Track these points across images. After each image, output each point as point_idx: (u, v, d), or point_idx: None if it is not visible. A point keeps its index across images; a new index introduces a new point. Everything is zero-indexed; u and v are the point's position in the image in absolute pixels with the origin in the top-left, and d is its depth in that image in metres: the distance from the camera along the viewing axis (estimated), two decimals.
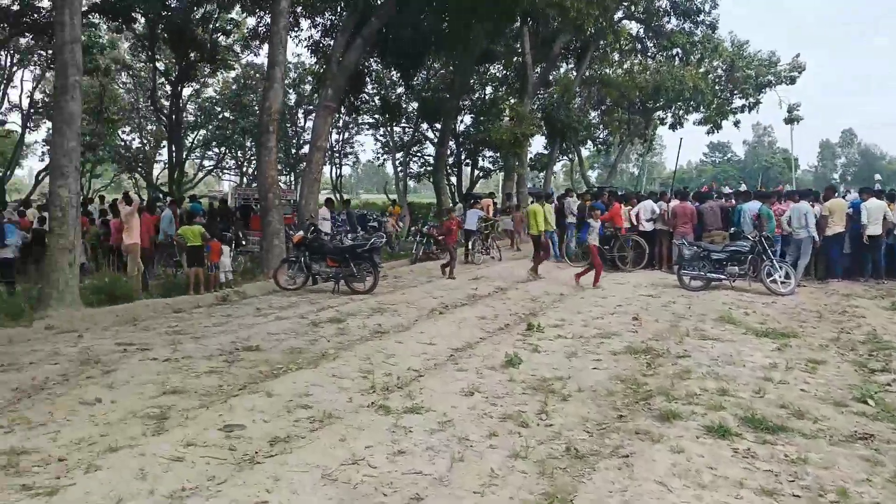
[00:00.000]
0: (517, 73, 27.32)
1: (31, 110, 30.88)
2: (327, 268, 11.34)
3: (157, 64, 28.46)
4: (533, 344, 7.14)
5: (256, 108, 31.51)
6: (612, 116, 33.65)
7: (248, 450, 4.17)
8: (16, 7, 15.69)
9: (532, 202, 16.97)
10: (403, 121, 33.95)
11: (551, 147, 29.19)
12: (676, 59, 29.67)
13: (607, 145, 37.10)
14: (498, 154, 34.36)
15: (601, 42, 26.79)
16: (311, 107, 36.51)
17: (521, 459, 4.03)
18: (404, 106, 30.71)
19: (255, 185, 33.70)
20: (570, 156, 38.68)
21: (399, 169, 36.60)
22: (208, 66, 29.25)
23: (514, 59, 26.01)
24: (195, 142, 37.10)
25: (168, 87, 30.61)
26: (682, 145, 53.84)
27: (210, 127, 35.68)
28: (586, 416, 4.85)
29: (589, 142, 35.81)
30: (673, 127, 32.69)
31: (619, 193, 18.91)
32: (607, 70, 31.06)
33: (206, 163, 41.31)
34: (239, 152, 40.32)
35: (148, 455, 3.96)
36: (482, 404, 5.13)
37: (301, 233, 11.93)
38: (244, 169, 42.20)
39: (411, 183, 39.82)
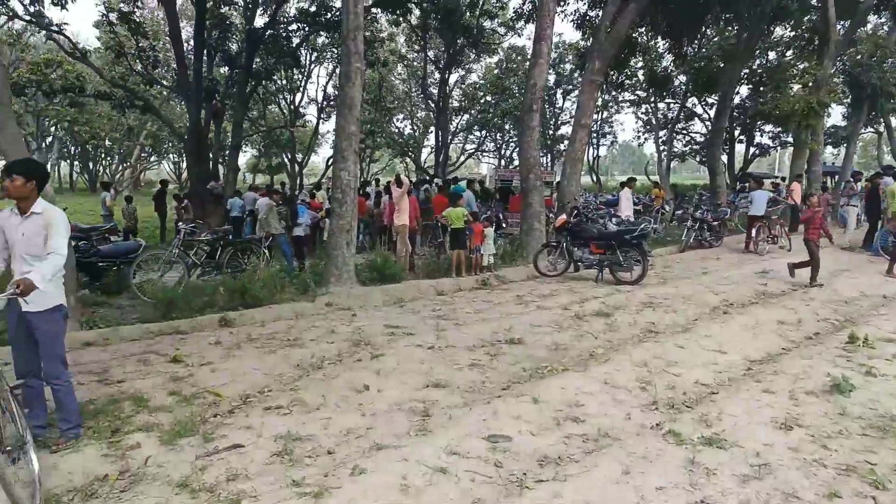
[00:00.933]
0: (813, 33, 23.29)
1: (325, 103, 34.96)
2: (591, 255, 10.52)
3: (428, 53, 30.12)
4: (863, 364, 5.56)
5: (517, 90, 31.84)
6: None
7: (516, 469, 3.63)
8: (313, 8, 17.45)
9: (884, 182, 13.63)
10: (669, 96, 31.41)
11: (856, 117, 24.52)
12: None
13: None
14: (779, 129, 30.07)
15: None
16: (570, 86, 35.82)
17: None
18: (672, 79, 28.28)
19: (512, 166, 34.34)
20: (876, 127, 32.34)
21: (662, 148, 34.11)
22: (473, 52, 30.21)
23: (808, 16, 22.12)
24: (459, 126, 38.74)
25: (437, 75, 32.31)
26: None
27: (473, 111, 36.94)
28: None
29: None
30: None
31: None
32: None
33: (467, 146, 43.08)
34: (498, 135, 41.33)
35: (411, 461, 3.64)
36: (807, 445, 3.96)
37: (563, 216, 11.28)
38: (503, 151, 43.21)
39: (672, 163, 36.93)
